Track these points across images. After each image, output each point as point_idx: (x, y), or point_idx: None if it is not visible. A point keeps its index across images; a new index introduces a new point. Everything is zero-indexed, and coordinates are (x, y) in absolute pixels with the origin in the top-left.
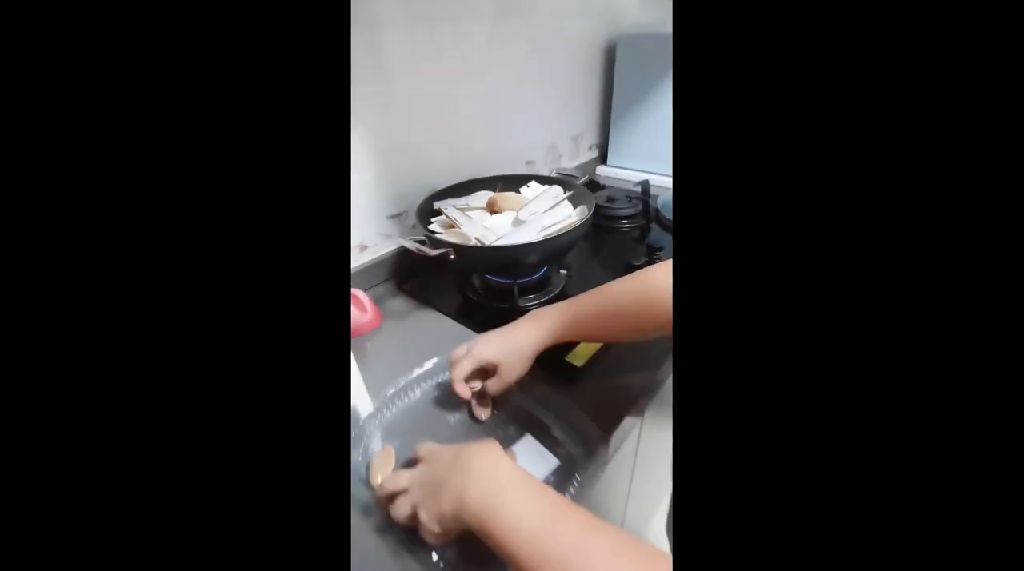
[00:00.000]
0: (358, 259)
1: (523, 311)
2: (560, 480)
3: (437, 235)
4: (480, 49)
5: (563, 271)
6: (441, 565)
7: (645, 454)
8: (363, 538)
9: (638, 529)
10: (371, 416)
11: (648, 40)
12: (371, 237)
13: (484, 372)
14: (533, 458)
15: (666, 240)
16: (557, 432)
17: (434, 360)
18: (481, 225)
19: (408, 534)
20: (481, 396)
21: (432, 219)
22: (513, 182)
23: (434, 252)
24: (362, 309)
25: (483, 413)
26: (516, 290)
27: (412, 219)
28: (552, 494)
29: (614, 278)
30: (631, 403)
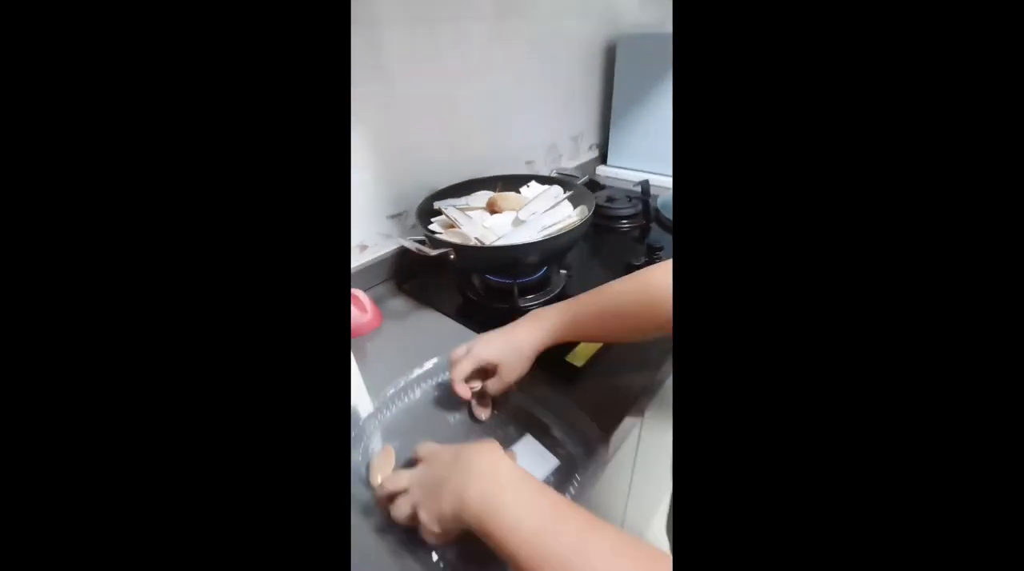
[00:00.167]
0: (358, 259)
1: (523, 311)
2: (560, 480)
3: (437, 235)
4: (480, 49)
5: (563, 271)
6: (441, 565)
7: (645, 454)
8: (363, 538)
9: (638, 529)
10: (371, 416)
11: (648, 40)
12: (371, 237)
13: (484, 372)
14: (533, 458)
15: (666, 240)
16: (557, 432)
17: (434, 360)
18: (481, 225)
19: (408, 534)
20: (481, 396)
21: (432, 219)
22: (513, 182)
23: (434, 252)
24: (362, 309)
25: (483, 413)
26: (516, 290)
27: (412, 219)
28: (552, 494)
29: (614, 278)
30: (631, 403)
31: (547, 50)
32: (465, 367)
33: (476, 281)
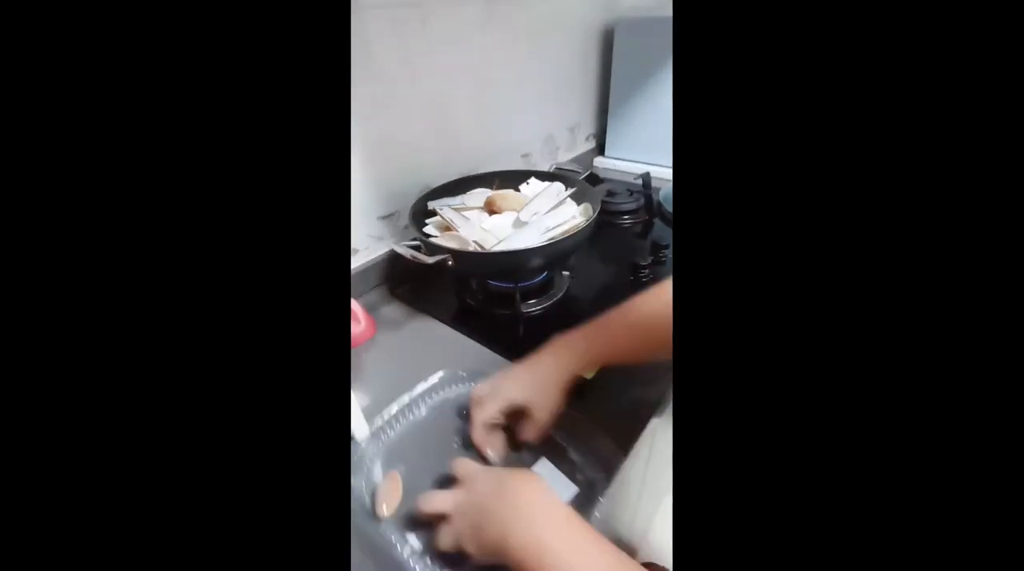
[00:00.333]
0: None
1: (525, 317)
2: (581, 505)
3: (433, 239)
4: (471, 35)
5: (565, 273)
6: None
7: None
8: None
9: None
10: (372, 439)
11: (648, 24)
12: (361, 240)
13: (512, 414)
14: (551, 486)
15: (670, 236)
16: (574, 454)
17: (439, 373)
18: (480, 227)
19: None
20: (491, 431)
21: (427, 220)
22: (511, 178)
23: (431, 260)
24: (355, 320)
25: (494, 454)
26: (518, 295)
27: (404, 219)
28: (601, 542)
29: (620, 280)
30: (647, 415)
31: (541, 35)
32: (491, 411)
33: (475, 285)
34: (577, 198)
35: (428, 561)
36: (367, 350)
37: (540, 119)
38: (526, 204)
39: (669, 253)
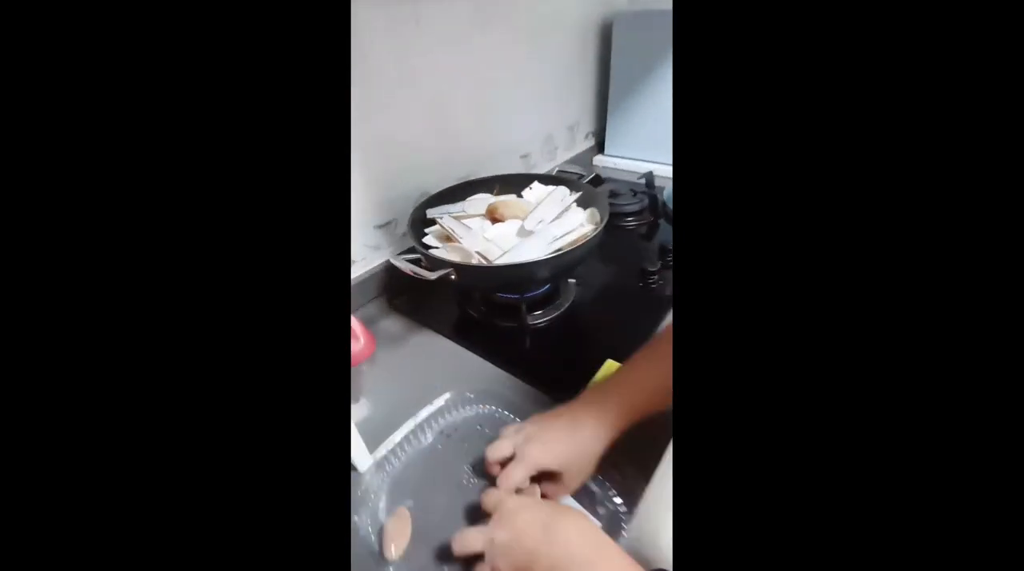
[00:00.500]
0: None
1: (532, 329)
2: None
3: (434, 252)
4: (467, 35)
5: (572, 281)
6: None
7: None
8: None
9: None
10: (376, 470)
11: (647, 17)
12: (358, 250)
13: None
14: None
15: None
16: (592, 484)
17: (445, 395)
18: (483, 237)
19: None
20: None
21: (426, 230)
22: (512, 182)
23: (433, 275)
24: (353, 337)
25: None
26: (524, 307)
27: (402, 227)
28: None
29: (629, 287)
30: (668, 433)
31: (538, 31)
32: (518, 477)
33: (477, 296)
34: (582, 202)
35: None
36: (366, 369)
37: (538, 118)
38: (530, 211)
39: None
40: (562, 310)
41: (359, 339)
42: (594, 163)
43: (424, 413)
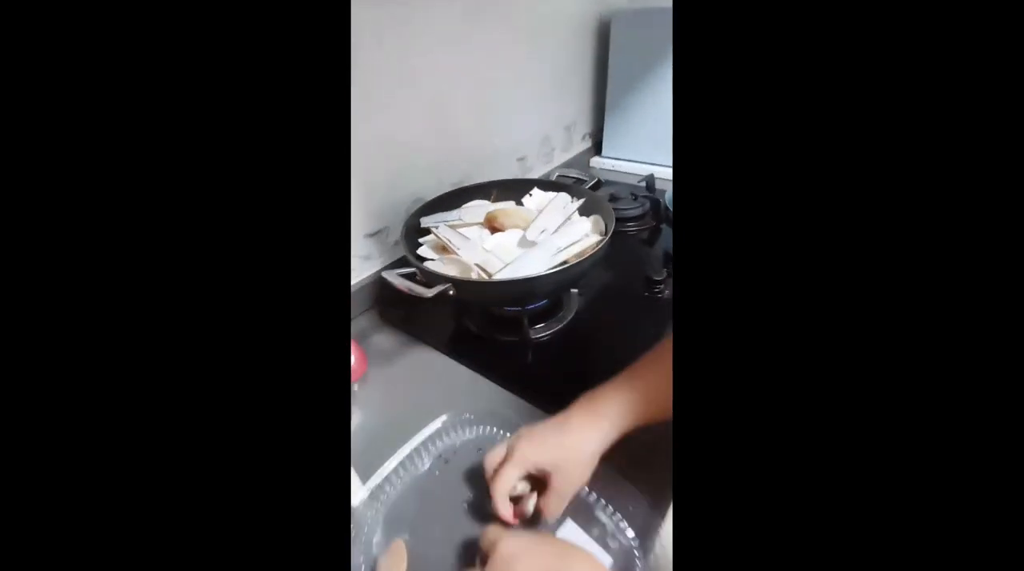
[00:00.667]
0: None
1: (534, 343)
2: None
3: (430, 265)
4: (460, 35)
5: (574, 290)
6: None
7: None
8: None
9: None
10: (369, 501)
11: (646, 15)
12: None
13: (531, 477)
14: None
15: None
16: (603, 514)
17: (442, 418)
18: (482, 248)
19: None
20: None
21: (420, 240)
22: (510, 188)
23: (430, 292)
24: None
25: (511, 516)
26: (526, 320)
27: (394, 236)
28: None
29: (634, 297)
30: None
31: (534, 30)
32: (510, 477)
33: (476, 308)
34: (584, 209)
35: None
36: (358, 389)
37: (535, 119)
38: (532, 221)
39: None
40: (565, 323)
41: (351, 358)
42: (591, 165)
43: (420, 437)
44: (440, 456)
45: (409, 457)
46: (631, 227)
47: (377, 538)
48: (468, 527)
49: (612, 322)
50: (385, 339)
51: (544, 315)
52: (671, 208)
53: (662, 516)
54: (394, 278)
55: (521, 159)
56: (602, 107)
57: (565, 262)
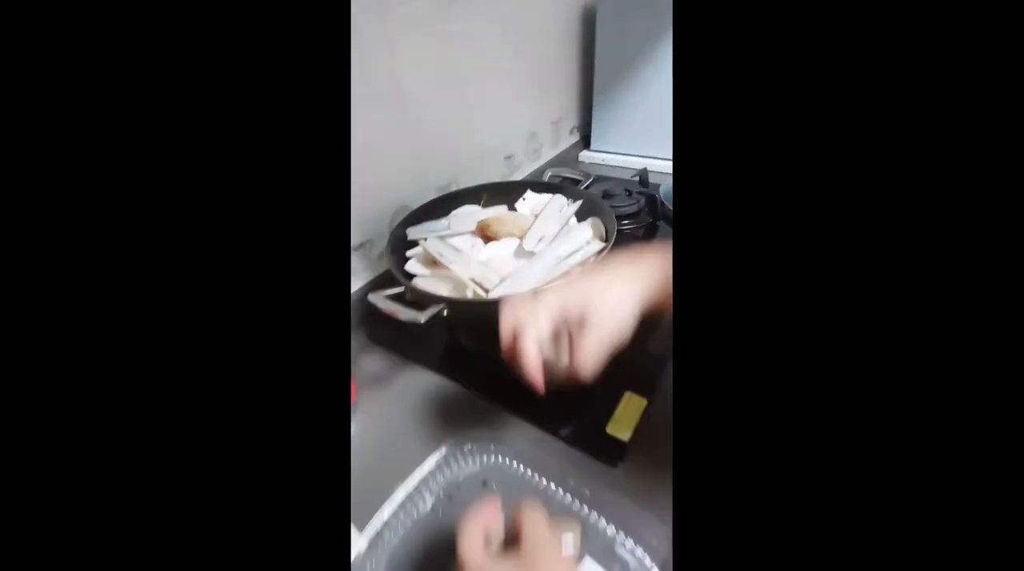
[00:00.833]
0: None
1: None
2: None
3: (419, 283)
4: (433, 25)
5: None
6: None
7: None
8: None
9: None
10: (369, 550)
11: (633, 2)
12: None
13: (558, 335)
14: None
15: None
16: (623, 551)
17: (441, 451)
18: (476, 261)
19: None
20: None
21: (407, 253)
22: (501, 191)
23: (422, 317)
24: None
25: (541, 381)
26: None
27: (378, 248)
28: None
29: None
30: None
31: (515, 19)
32: (539, 322)
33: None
34: (581, 212)
35: None
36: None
37: (519, 114)
38: (528, 228)
39: None
40: None
41: None
42: (580, 159)
43: (419, 474)
44: (443, 493)
45: (409, 497)
46: (626, 225)
47: None
48: None
49: None
50: (373, 362)
51: None
52: (667, 203)
53: None
54: (381, 302)
55: (508, 157)
56: (590, 99)
57: (567, 273)
